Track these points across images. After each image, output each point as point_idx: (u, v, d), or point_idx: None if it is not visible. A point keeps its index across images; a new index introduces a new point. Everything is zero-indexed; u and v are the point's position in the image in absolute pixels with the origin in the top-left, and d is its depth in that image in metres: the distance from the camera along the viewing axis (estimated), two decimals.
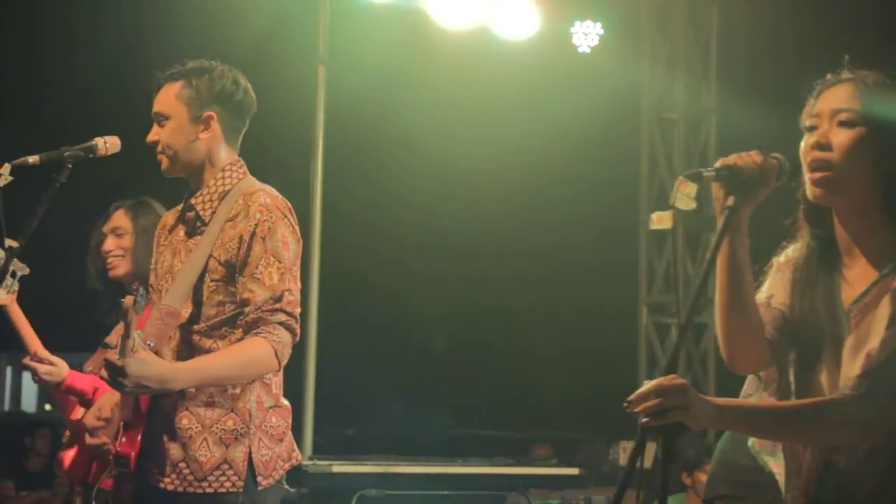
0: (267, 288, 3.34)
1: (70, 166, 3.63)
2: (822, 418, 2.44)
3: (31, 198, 3.59)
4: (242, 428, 3.37)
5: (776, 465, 2.66)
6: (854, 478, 2.49)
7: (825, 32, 8.88)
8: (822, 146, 2.51)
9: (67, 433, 4.51)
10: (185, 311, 3.40)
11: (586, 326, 10.13)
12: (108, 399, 3.55)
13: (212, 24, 7.72)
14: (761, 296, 2.62)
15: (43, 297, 4.42)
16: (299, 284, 3.43)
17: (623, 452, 9.61)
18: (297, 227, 3.48)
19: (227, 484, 3.35)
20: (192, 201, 3.53)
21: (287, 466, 3.46)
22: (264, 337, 3.30)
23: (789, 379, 2.58)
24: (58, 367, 4.32)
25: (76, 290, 4.67)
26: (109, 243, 4.50)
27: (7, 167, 3.54)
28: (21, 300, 4.22)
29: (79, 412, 4.42)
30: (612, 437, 9.79)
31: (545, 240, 10.03)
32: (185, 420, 3.38)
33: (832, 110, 2.53)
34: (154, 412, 3.42)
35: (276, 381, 3.46)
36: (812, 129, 2.54)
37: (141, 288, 3.15)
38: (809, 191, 2.54)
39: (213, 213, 3.47)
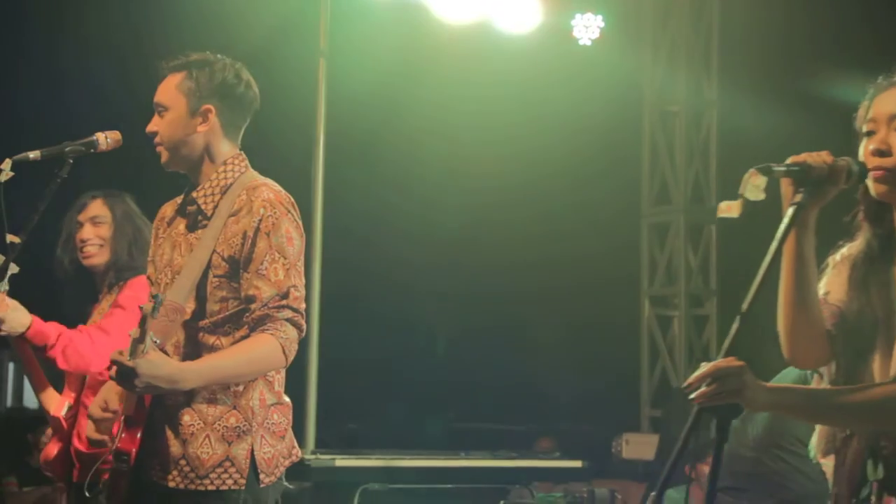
0: (273, 284, 3.32)
1: (71, 161, 3.64)
2: (876, 403, 2.50)
3: (31, 193, 3.59)
4: (245, 425, 3.35)
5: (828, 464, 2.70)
6: None
7: (826, 24, 8.88)
8: (882, 152, 2.56)
9: (49, 431, 4.44)
10: (189, 308, 3.38)
11: (588, 318, 10.13)
12: (112, 389, 3.53)
13: (214, 18, 7.72)
14: (819, 292, 2.67)
15: (41, 291, 4.37)
16: (303, 280, 3.42)
17: (626, 444, 9.62)
18: (300, 222, 3.46)
19: (230, 481, 3.33)
20: (194, 195, 3.50)
21: (287, 463, 3.45)
22: (271, 334, 3.28)
23: (842, 369, 2.63)
24: (17, 312, 4.02)
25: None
26: (87, 232, 4.42)
27: (8, 163, 3.54)
28: (22, 297, 4.18)
29: (62, 408, 4.39)
30: (615, 430, 9.80)
31: (547, 231, 10.02)
32: (186, 417, 3.36)
33: (889, 115, 2.58)
34: (155, 408, 3.39)
35: (279, 379, 3.45)
36: (870, 133, 2.59)
37: (159, 294, 3.16)
38: (873, 188, 2.59)
39: (216, 207, 3.45)
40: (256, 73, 3.63)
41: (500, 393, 10.01)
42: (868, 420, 2.55)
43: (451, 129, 9.50)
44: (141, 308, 3.10)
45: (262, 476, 3.36)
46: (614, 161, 10.38)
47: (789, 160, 2.54)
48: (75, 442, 4.29)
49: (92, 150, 3.69)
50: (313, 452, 6.86)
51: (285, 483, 3.48)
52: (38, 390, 4.44)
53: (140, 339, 3.12)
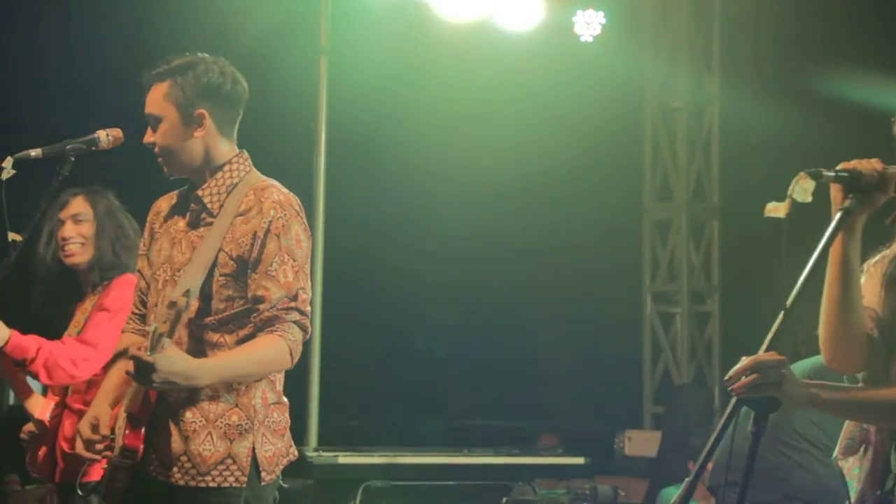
0: (282, 286, 3.35)
1: (72, 159, 3.64)
2: None
3: (33, 191, 3.59)
4: (247, 423, 3.37)
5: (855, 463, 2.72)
6: None
7: (828, 21, 8.87)
8: None
9: (32, 427, 4.38)
10: (193, 305, 3.38)
11: (590, 315, 10.11)
12: (103, 405, 3.51)
13: (213, 17, 7.71)
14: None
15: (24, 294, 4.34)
16: (310, 283, 3.45)
17: (628, 441, 9.62)
18: (307, 226, 3.48)
19: (231, 479, 3.35)
20: (199, 193, 3.50)
21: (285, 462, 3.47)
22: (280, 335, 3.32)
23: (873, 369, 2.67)
24: None
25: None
26: (69, 230, 4.35)
27: (10, 160, 3.54)
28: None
29: (46, 411, 4.34)
30: (617, 427, 9.80)
31: (549, 228, 10.01)
32: (188, 414, 3.37)
33: None
34: (157, 405, 3.40)
35: (280, 378, 3.48)
36: None
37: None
38: None
39: (221, 205, 3.46)
40: (256, 72, 3.62)
41: (503, 390, 10.01)
42: None
43: (452, 126, 9.48)
44: (173, 303, 3.13)
45: (263, 474, 3.38)
46: (616, 157, 10.37)
47: (840, 166, 2.57)
48: (60, 443, 4.27)
49: (93, 148, 3.69)
50: (316, 450, 6.86)
51: (281, 482, 3.49)
52: (22, 397, 4.42)
53: (169, 334, 3.15)
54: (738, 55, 10.06)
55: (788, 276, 2.47)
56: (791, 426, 4.75)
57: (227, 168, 3.50)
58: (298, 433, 3.59)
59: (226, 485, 3.34)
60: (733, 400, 2.41)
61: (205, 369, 3.27)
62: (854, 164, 2.55)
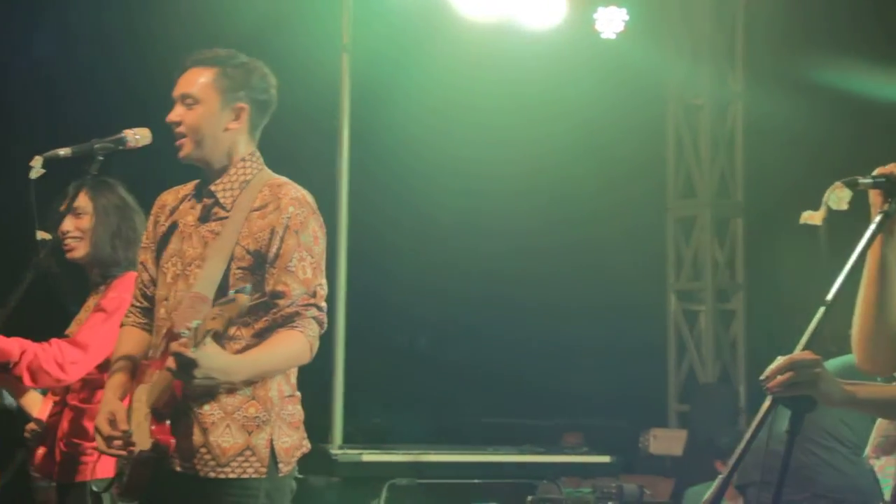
0: (301, 282, 3.40)
1: (101, 158, 3.65)
2: None
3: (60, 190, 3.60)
4: (264, 415, 3.41)
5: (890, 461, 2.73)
6: None
7: (851, 16, 8.82)
8: None
9: (33, 426, 4.36)
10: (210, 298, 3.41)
11: (615, 313, 10.09)
12: (113, 400, 3.50)
13: (236, 15, 7.71)
14: None
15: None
16: (325, 279, 3.50)
17: (654, 440, 9.60)
18: (322, 222, 3.53)
19: (251, 470, 3.39)
20: (212, 188, 3.53)
21: (299, 454, 3.52)
22: (301, 331, 3.38)
23: None
24: None
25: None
26: (67, 224, 4.25)
27: (39, 160, 3.56)
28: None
29: (46, 410, 4.32)
30: (642, 425, 9.78)
31: (572, 226, 9.99)
32: (206, 406, 3.40)
33: None
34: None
35: (294, 371, 3.53)
36: None
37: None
38: None
39: (234, 201, 3.48)
40: (277, 70, 3.65)
41: (528, 388, 9.99)
42: None
43: (475, 124, 9.48)
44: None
45: (281, 465, 3.43)
46: (639, 155, 10.35)
47: (876, 171, 2.60)
48: (59, 442, 4.26)
49: (121, 147, 3.70)
50: (340, 447, 6.85)
51: (297, 473, 3.53)
52: (16, 396, 4.41)
53: (222, 334, 3.21)
54: (762, 51, 10.03)
55: (823, 275, 2.49)
56: (820, 424, 4.72)
57: (240, 165, 3.53)
58: (322, 431, 3.60)
59: (245, 476, 3.38)
60: (768, 399, 2.39)
61: (241, 365, 3.32)
62: (891, 168, 2.58)
